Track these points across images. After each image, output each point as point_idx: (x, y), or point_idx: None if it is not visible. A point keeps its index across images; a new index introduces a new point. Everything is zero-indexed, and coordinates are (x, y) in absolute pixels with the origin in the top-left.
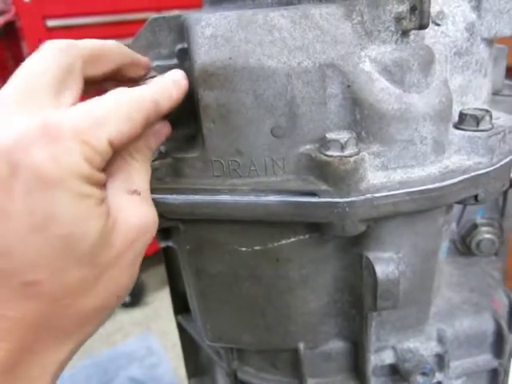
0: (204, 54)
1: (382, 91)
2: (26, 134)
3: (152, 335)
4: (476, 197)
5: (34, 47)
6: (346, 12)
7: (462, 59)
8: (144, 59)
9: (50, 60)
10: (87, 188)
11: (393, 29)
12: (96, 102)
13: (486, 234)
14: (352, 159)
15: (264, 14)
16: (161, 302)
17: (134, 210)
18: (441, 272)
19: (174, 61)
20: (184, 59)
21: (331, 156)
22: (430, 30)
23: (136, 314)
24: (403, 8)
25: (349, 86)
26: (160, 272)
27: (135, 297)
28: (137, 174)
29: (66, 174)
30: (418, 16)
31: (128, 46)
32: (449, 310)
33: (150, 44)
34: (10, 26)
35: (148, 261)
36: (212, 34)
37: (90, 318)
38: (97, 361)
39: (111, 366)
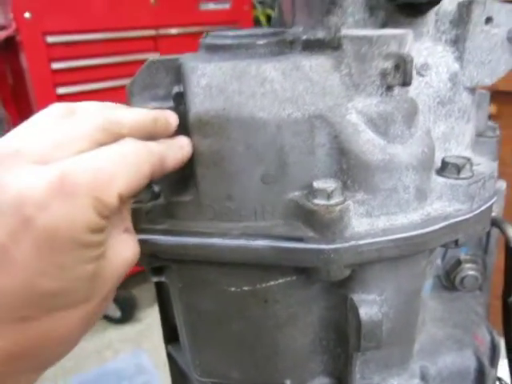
0: (199, 103)
1: (367, 142)
2: (42, 186)
3: (143, 352)
4: (457, 241)
5: (33, 62)
6: (334, 64)
7: (445, 108)
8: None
9: None
10: (93, 237)
11: (378, 83)
12: (107, 152)
13: (469, 270)
14: (337, 208)
15: (257, 65)
16: (153, 318)
17: (126, 246)
18: (425, 308)
19: (170, 103)
20: (180, 103)
21: (317, 204)
22: (415, 81)
23: (127, 330)
24: (388, 65)
25: (336, 137)
26: (152, 288)
27: (126, 313)
28: (127, 212)
29: (77, 232)
30: (402, 74)
31: (127, 86)
32: (432, 347)
33: (148, 85)
34: (10, 40)
35: (140, 276)
36: (207, 83)
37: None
38: (85, 378)
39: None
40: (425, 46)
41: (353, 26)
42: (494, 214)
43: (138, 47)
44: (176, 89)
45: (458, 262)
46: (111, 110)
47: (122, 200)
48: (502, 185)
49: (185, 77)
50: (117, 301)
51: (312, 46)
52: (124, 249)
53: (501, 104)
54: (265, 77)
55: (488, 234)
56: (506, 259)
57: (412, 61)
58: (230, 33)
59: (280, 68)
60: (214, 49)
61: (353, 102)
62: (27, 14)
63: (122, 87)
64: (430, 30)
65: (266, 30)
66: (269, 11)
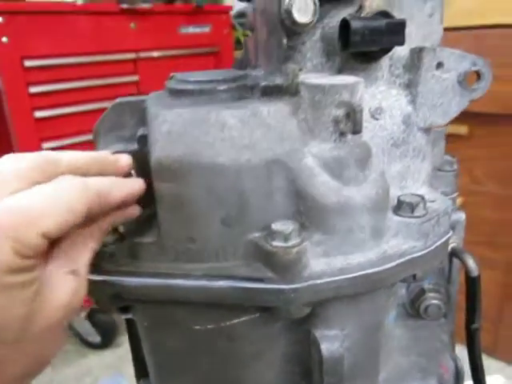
0: (160, 149)
1: (322, 185)
2: None
3: (123, 379)
4: (414, 276)
5: (10, 86)
6: (292, 110)
7: (400, 149)
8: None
9: None
10: (14, 277)
11: (332, 129)
12: (38, 191)
13: (433, 299)
14: (295, 250)
15: (216, 113)
16: None
17: (67, 289)
18: (390, 338)
19: (135, 145)
20: (144, 145)
21: (276, 246)
22: (370, 124)
23: (107, 356)
24: (340, 113)
25: (293, 180)
26: None
27: (106, 338)
28: (80, 254)
29: None
30: (352, 123)
31: (94, 127)
32: (398, 376)
33: (114, 125)
34: None
35: None
36: (168, 130)
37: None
38: None
39: None
40: (379, 89)
41: (311, 70)
42: (454, 244)
43: (117, 70)
44: (141, 131)
45: (422, 291)
46: (49, 152)
47: (50, 237)
48: (462, 216)
49: (148, 122)
50: (97, 326)
51: (271, 92)
52: (64, 291)
53: (472, 125)
54: (224, 124)
55: (450, 264)
56: (466, 289)
57: (361, 110)
58: (193, 78)
59: (238, 115)
60: (177, 93)
61: (309, 146)
62: (4, 39)
63: (101, 110)
64: (384, 75)
65: (227, 73)
66: (249, 33)
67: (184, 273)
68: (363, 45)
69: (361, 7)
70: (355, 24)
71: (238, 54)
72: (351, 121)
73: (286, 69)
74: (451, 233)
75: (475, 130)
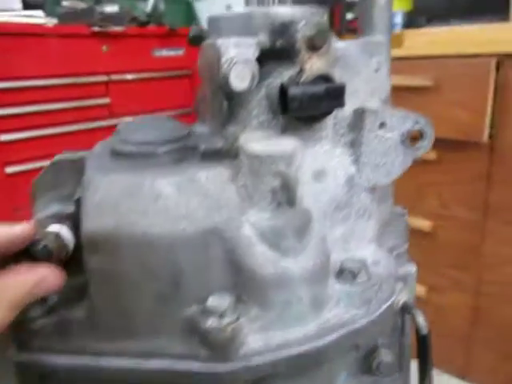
0: (90, 221)
1: (260, 256)
2: None
3: None
4: (357, 345)
5: None
6: (231, 175)
7: (343, 212)
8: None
9: None
10: None
11: (269, 199)
12: None
13: (385, 355)
14: (230, 328)
15: (151, 181)
16: None
17: None
18: None
19: (72, 208)
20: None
21: (211, 325)
22: (312, 188)
23: None
24: (276, 183)
25: (230, 251)
26: None
27: None
28: None
29: None
30: (287, 195)
31: (32, 184)
32: None
33: (53, 184)
34: None
35: None
36: (100, 199)
37: None
38: None
39: None
40: (324, 149)
41: (257, 127)
42: (405, 299)
43: (88, 93)
44: (78, 192)
45: (375, 347)
46: None
47: None
48: (412, 268)
49: (82, 187)
50: None
51: (211, 156)
52: None
53: (440, 151)
54: (159, 193)
55: (402, 317)
56: (417, 346)
57: (296, 184)
58: (134, 137)
59: (175, 183)
60: (117, 154)
61: (247, 214)
62: None
63: (71, 133)
64: (328, 134)
65: (172, 132)
66: None
67: (115, 351)
68: (302, 111)
69: (301, 70)
70: (293, 90)
71: None
72: (286, 194)
73: (226, 132)
74: (395, 297)
75: (443, 156)
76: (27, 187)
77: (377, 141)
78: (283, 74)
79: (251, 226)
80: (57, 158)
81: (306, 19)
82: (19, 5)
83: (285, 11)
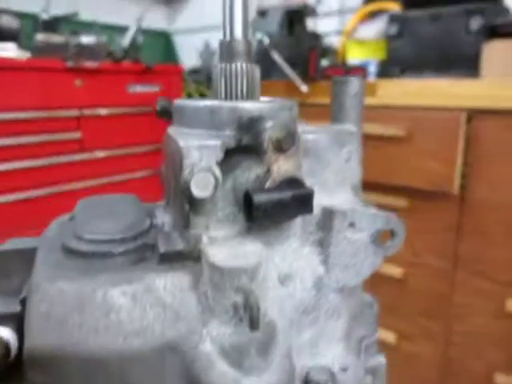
0: (34, 336)
1: (220, 375)
2: None
3: None
4: None
5: None
6: (192, 281)
7: (310, 316)
8: None
9: None
10: None
11: (231, 313)
12: None
13: None
14: None
15: (104, 291)
16: None
17: None
18: None
19: (17, 307)
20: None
21: None
22: (278, 293)
23: None
24: (239, 299)
25: (188, 369)
26: None
27: None
28: None
29: None
30: (249, 317)
31: None
32: None
33: (0, 273)
34: None
35: None
36: (46, 311)
37: None
38: None
39: None
40: (291, 248)
41: (223, 219)
42: None
43: (59, 127)
44: (25, 291)
45: None
46: None
47: None
48: (382, 360)
49: (29, 290)
50: None
51: (171, 259)
52: None
53: (412, 199)
54: (111, 305)
55: None
56: None
57: (258, 307)
58: (88, 234)
59: (130, 292)
60: (69, 252)
61: (208, 327)
62: None
63: (41, 167)
64: (297, 232)
65: (129, 227)
66: (202, 88)
67: None
68: (266, 219)
69: (268, 171)
70: (258, 198)
71: None
72: (248, 313)
73: (188, 234)
74: None
75: (415, 204)
76: None
77: (346, 242)
78: (250, 170)
79: (212, 341)
80: (4, 247)
81: (274, 117)
82: None
83: (252, 106)
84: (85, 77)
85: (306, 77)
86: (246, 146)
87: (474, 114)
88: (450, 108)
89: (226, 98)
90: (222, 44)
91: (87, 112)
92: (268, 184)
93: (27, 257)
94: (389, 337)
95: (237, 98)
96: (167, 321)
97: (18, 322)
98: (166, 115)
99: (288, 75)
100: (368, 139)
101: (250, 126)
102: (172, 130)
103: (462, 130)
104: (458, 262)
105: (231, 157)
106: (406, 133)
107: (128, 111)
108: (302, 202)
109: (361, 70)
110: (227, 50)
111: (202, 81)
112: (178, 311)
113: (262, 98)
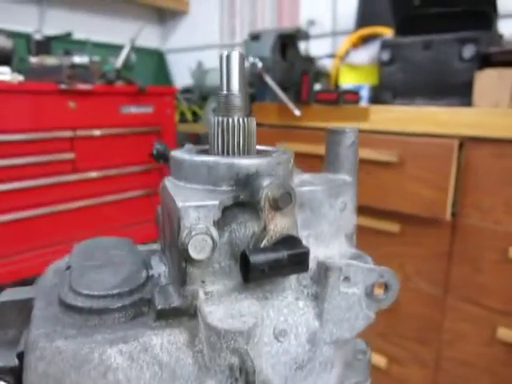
0: None
1: None
2: None
3: None
4: None
5: None
6: (188, 338)
7: (304, 370)
8: None
9: None
10: None
11: (227, 374)
12: None
13: None
14: None
15: (101, 351)
16: None
17: None
18: None
19: (14, 361)
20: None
21: None
22: (272, 348)
23: None
24: (235, 360)
25: None
26: None
27: None
28: None
29: None
30: (244, 378)
31: None
32: None
33: None
34: None
35: None
36: (44, 371)
37: None
38: None
39: None
40: (287, 301)
41: (219, 272)
42: None
43: (52, 148)
44: (21, 345)
45: None
46: None
47: None
48: None
49: (26, 347)
50: None
51: (167, 315)
52: None
53: (403, 224)
54: (109, 365)
55: None
56: None
57: (254, 370)
58: (85, 289)
59: (127, 351)
60: (66, 307)
61: None
62: None
63: (33, 187)
64: (292, 284)
65: (125, 280)
66: (194, 107)
67: None
68: (263, 278)
69: (265, 228)
70: (254, 259)
71: (180, 127)
72: (244, 376)
73: (184, 291)
74: None
75: (406, 229)
76: None
77: (340, 297)
78: (247, 225)
79: None
80: (1, 298)
81: (271, 173)
82: None
83: (249, 163)
84: (78, 98)
85: (299, 100)
86: (243, 201)
87: (466, 142)
88: (442, 135)
89: (222, 151)
90: (219, 97)
91: (80, 133)
92: (264, 242)
93: (23, 308)
94: (379, 360)
95: (233, 151)
96: (164, 380)
97: (15, 375)
98: (162, 159)
99: (281, 99)
100: (360, 163)
101: (247, 182)
102: (169, 183)
103: (454, 158)
104: (449, 288)
105: (228, 211)
106: (398, 158)
107: (121, 132)
108: (298, 261)
109: (354, 95)
110: (224, 104)
111: (195, 100)
112: (175, 370)
113: (259, 148)
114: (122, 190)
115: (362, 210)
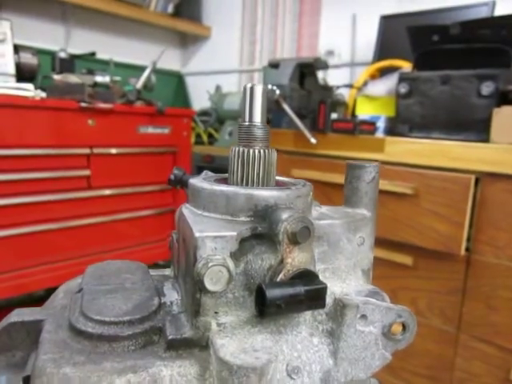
0: None
1: None
2: None
3: None
4: None
5: None
6: (199, 371)
7: None
8: None
9: None
10: None
11: None
12: None
13: None
14: None
15: (110, 380)
16: None
17: None
18: None
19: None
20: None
21: None
22: None
23: None
24: None
25: None
26: None
27: None
28: None
29: None
30: None
31: None
32: None
33: (5, 346)
34: None
35: None
36: None
37: None
38: None
39: None
40: (301, 336)
41: (233, 302)
42: None
43: (69, 164)
44: (29, 369)
45: None
46: None
47: None
48: None
49: (33, 372)
50: None
51: (178, 346)
52: None
53: (416, 257)
54: None
55: None
56: None
57: None
58: (95, 314)
59: (136, 382)
60: (76, 332)
61: None
62: None
63: (48, 202)
64: (307, 319)
65: (137, 306)
66: (210, 130)
67: None
68: (279, 314)
69: (282, 262)
70: (271, 294)
71: (196, 148)
72: None
73: (197, 321)
74: None
75: (419, 263)
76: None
77: (356, 336)
78: (263, 256)
79: None
80: (11, 319)
81: (290, 205)
82: (13, 78)
83: (268, 194)
84: (98, 117)
85: (316, 128)
86: (260, 233)
87: (483, 178)
88: (458, 169)
89: (241, 181)
90: (241, 127)
91: (97, 150)
92: (281, 276)
93: (32, 329)
94: None
95: (253, 182)
96: None
97: None
98: (180, 184)
99: (298, 126)
100: None
101: (265, 214)
102: (187, 211)
103: (470, 193)
104: (461, 325)
105: (246, 242)
106: (413, 191)
107: (137, 151)
108: (315, 297)
109: (370, 125)
110: (246, 134)
111: (211, 122)
112: None
113: (279, 179)
114: (134, 209)
115: (375, 241)
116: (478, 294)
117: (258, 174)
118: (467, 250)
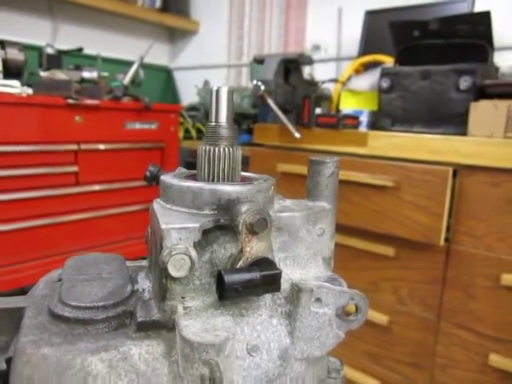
0: None
1: None
2: None
3: None
4: None
5: None
6: (165, 350)
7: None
8: None
9: None
10: None
11: (198, 383)
12: None
13: None
14: None
15: (83, 358)
16: None
17: None
18: None
19: (3, 365)
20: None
21: None
22: (245, 362)
23: None
24: (205, 372)
25: None
26: None
27: None
28: None
29: None
30: None
31: None
32: None
33: None
34: None
35: None
36: (29, 375)
37: None
38: None
39: None
40: (261, 318)
41: (199, 288)
42: None
43: (56, 160)
44: (11, 350)
45: None
46: None
47: None
48: None
49: (15, 353)
50: None
51: (147, 327)
52: None
53: (398, 248)
54: (89, 371)
55: None
56: None
57: (222, 381)
58: (72, 301)
59: (107, 359)
60: (54, 317)
61: None
62: None
63: (35, 199)
64: (267, 302)
65: (111, 294)
66: (199, 124)
67: None
68: (237, 297)
69: (241, 251)
70: (229, 278)
71: (185, 143)
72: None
73: (164, 305)
74: None
75: (401, 253)
76: None
77: (311, 317)
78: (226, 246)
79: None
80: None
81: (251, 199)
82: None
83: (231, 189)
84: (85, 113)
85: (300, 123)
86: (223, 225)
87: (460, 170)
88: (437, 162)
89: (208, 177)
90: (207, 127)
91: (85, 147)
92: (240, 263)
93: (15, 316)
94: None
95: (218, 178)
96: None
97: (2, 379)
98: (155, 181)
99: (282, 121)
100: (358, 188)
101: (228, 207)
102: (157, 205)
103: (448, 184)
104: (441, 313)
105: (211, 233)
106: (394, 183)
107: (125, 147)
108: (270, 281)
109: (353, 120)
110: (212, 133)
111: (200, 117)
112: (150, 378)
113: (244, 174)
114: (122, 204)
115: (357, 233)
116: (458, 283)
117: (224, 171)
118: (447, 240)
